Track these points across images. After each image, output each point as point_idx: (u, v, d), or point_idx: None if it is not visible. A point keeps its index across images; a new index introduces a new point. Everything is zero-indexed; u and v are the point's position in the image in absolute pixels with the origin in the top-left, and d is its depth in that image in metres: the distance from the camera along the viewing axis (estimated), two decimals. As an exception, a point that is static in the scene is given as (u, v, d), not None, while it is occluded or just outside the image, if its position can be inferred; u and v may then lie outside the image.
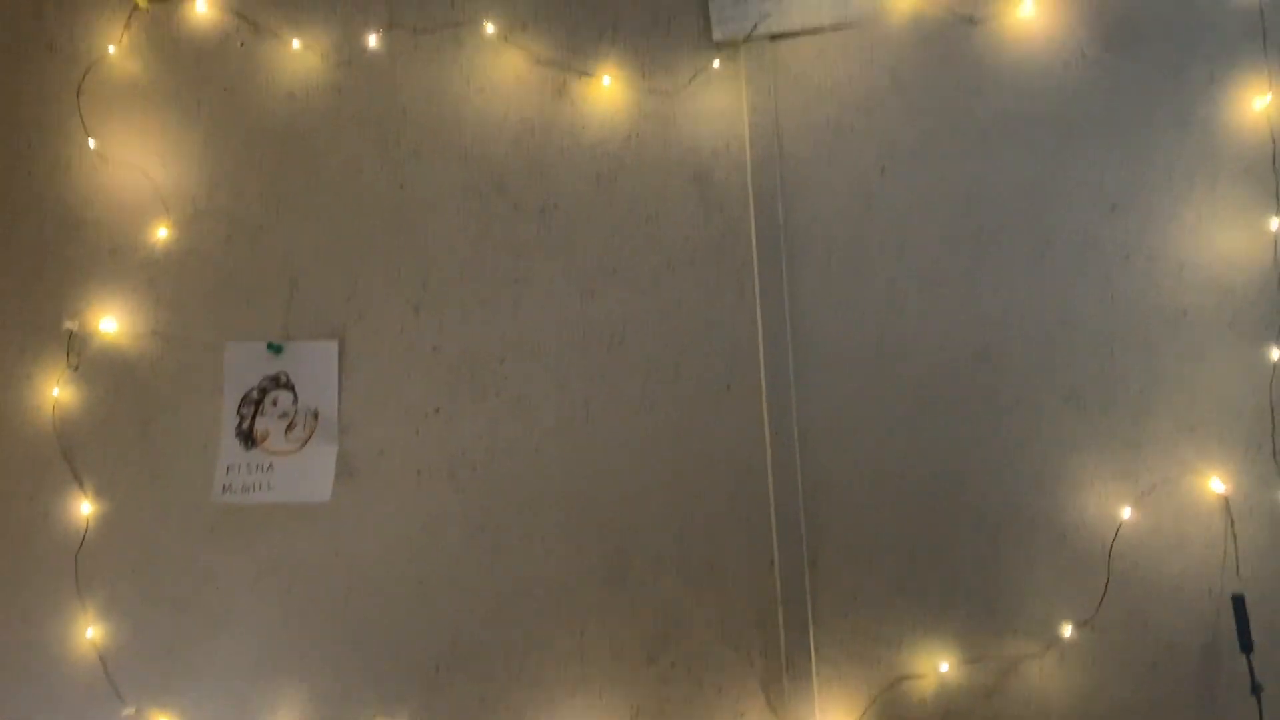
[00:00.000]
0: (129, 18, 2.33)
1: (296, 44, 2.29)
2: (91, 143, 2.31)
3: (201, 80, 2.32)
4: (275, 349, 2.27)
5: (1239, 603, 2.04)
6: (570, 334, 2.23)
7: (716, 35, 2.23)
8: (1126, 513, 2.11)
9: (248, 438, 2.27)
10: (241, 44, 2.32)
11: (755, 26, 2.21)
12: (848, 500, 2.17)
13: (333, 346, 2.27)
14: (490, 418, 2.24)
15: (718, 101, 2.24)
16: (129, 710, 2.21)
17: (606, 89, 2.25)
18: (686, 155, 2.24)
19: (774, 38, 2.23)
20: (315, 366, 2.27)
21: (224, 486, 2.24)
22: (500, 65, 2.27)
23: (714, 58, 2.23)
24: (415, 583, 2.22)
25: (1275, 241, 2.11)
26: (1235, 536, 2.09)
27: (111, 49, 2.33)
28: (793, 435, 2.17)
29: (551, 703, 2.18)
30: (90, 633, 2.24)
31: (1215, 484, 2.10)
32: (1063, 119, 2.17)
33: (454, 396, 2.25)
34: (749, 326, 2.20)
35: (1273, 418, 2.10)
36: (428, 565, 2.22)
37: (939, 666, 2.13)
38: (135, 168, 2.31)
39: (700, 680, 2.17)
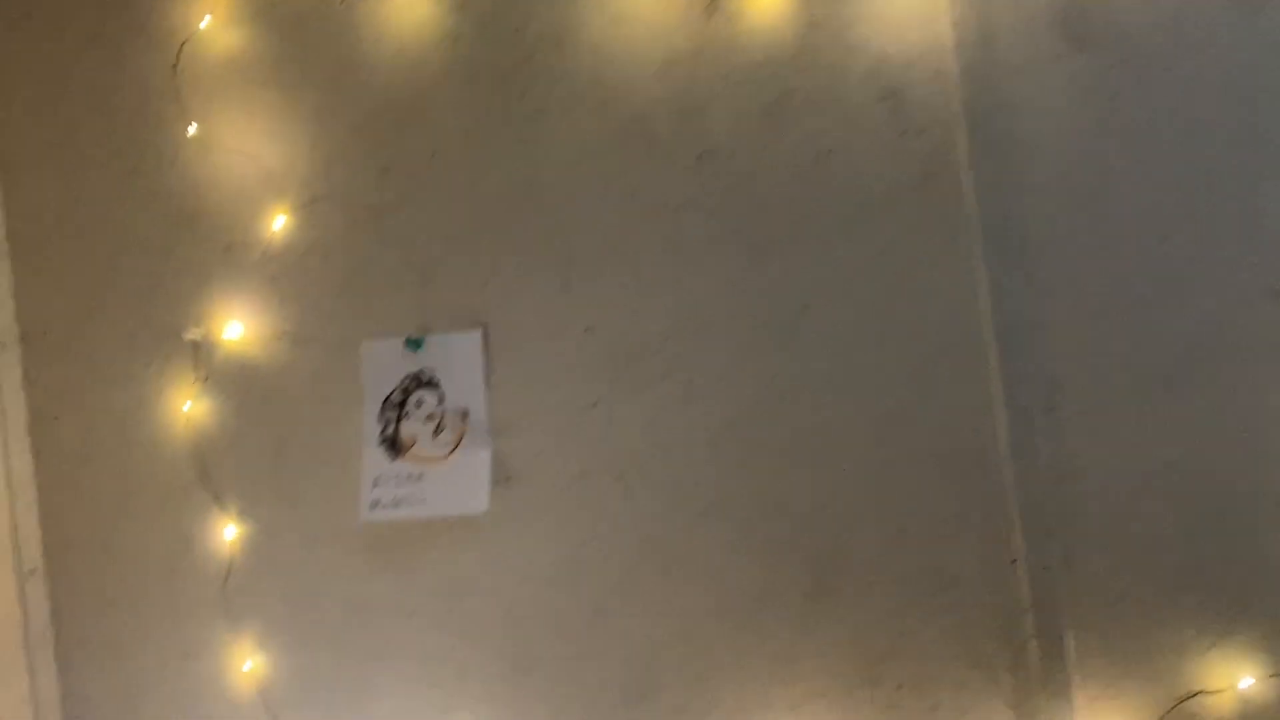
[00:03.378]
0: (221, -16, 2.07)
1: (402, -10, 1.98)
2: (192, 128, 2.08)
3: (304, 46, 2.04)
4: (414, 344, 2.01)
5: None
6: (743, 304, 1.87)
7: (901, -85, 1.78)
8: None
9: (393, 445, 2.02)
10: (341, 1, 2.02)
11: (952, -104, 1.75)
12: (1109, 482, 1.74)
13: (476, 337, 1.98)
14: (657, 409, 1.91)
15: (909, -4, 1.79)
16: (295, 750, 2.04)
17: (767, -3, 1.84)
18: (873, 68, 1.81)
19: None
20: (459, 361, 2.00)
21: (372, 503, 2.01)
22: (638, -14, 1.89)
23: (900, -58, 1.79)
24: (589, 603, 1.94)
25: None
26: None
27: (206, 19, 2.07)
28: (1033, 407, 1.76)
29: (757, 734, 1.88)
30: (248, 666, 2.06)
31: None
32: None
33: (614, 386, 1.92)
34: (967, 277, 1.78)
35: None
36: (601, 583, 1.93)
37: (1239, 680, 1.69)
38: (242, 152, 2.06)
39: (935, 704, 1.81)
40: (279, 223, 2.05)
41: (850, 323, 1.83)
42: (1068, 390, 1.75)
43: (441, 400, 2.01)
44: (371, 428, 2.03)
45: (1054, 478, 1.76)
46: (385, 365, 2.03)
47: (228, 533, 2.07)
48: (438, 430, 2.01)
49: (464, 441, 1.99)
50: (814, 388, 1.84)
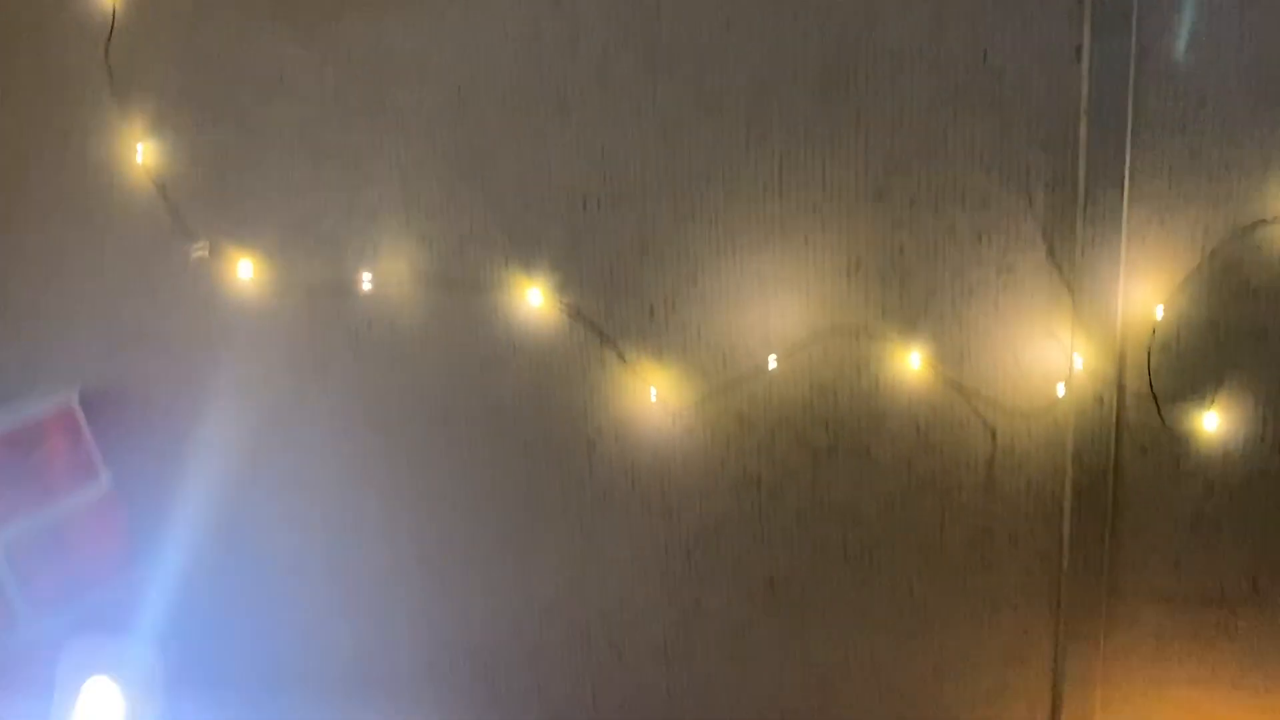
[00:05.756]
0: None
1: None
2: None
3: None
4: None
5: None
6: None
7: None
8: None
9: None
10: None
11: None
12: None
13: None
14: None
15: None
16: (200, 247, 1.73)
17: None
18: None
19: None
20: None
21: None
22: None
23: None
24: (552, 89, 1.59)
25: None
26: None
27: None
28: None
29: (740, 251, 1.60)
30: (140, 152, 1.72)
31: None
32: None
33: None
34: None
35: None
36: (568, 67, 1.57)
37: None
38: None
39: (952, 223, 1.53)
40: None
41: None
42: None
43: None
44: None
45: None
46: None
47: (105, -14, 1.67)
48: None
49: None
50: None
